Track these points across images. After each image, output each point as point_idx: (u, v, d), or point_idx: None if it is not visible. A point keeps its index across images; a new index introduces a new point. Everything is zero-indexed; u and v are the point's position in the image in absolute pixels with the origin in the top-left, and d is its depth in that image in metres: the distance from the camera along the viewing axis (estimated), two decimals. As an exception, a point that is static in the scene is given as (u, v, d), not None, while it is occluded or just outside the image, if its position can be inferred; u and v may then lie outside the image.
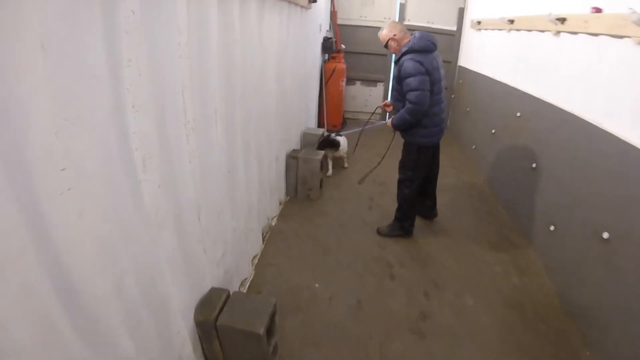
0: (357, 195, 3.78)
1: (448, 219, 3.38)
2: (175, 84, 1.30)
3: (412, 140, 2.81)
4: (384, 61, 6.00)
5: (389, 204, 3.46)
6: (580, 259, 2.26)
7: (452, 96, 5.76)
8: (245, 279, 2.48)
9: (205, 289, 1.76)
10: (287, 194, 3.74)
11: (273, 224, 3.21)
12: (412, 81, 2.51)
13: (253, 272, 2.59)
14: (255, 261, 2.70)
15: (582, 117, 2.37)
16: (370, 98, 6.34)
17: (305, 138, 4.28)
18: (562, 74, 2.71)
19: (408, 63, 2.50)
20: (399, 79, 2.62)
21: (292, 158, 3.52)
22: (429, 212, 3.31)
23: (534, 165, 2.95)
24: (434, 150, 2.97)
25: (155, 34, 1.17)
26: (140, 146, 1.13)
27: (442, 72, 2.73)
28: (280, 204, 3.55)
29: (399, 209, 3.05)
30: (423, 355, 2.01)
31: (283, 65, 2.99)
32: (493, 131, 3.96)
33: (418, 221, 3.12)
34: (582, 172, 2.34)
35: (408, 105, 2.59)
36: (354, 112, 6.51)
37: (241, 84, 2.03)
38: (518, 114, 3.36)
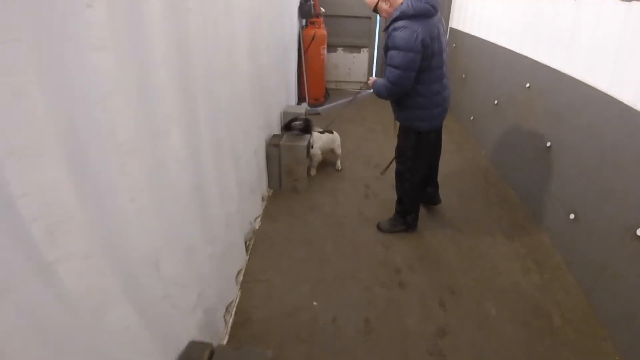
0: (350, 182, 3.41)
1: (453, 205, 3.07)
2: (89, 94, 0.84)
3: (410, 125, 2.40)
4: (368, 24, 5.45)
5: (388, 191, 3.11)
6: (610, 256, 2.00)
7: None
8: (231, 304, 2.11)
9: (181, 346, 1.39)
10: (270, 186, 3.32)
11: (257, 226, 2.81)
12: (396, 56, 2.08)
13: (239, 293, 2.22)
14: (240, 278, 2.33)
15: (611, 95, 2.04)
16: (354, 66, 5.83)
17: (286, 118, 3.81)
18: (583, 41, 2.34)
19: (398, 33, 2.05)
20: (387, 49, 2.19)
21: (274, 146, 3.07)
22: (432, 199, 2.97)
23: (548, 144, 2.62)
24: (437, 134, 2.58)
25: (44, 13, 0.70)
26: (40, 212, 0.70)
27: (445, 40, 2.29)
28: (262, 199, 3.14)
29: (399, 203, 2.70)
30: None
31: (257, 37, 2.46)
32: (496, 102, 3.61)
33: (421, 209, 2.79)
34: (612, 158, 2.04)
35: (385, 82, 2.19)
36: (336, 81, 6.00)
37: (203, 70, 1.54)
38: (527, 85, 3.00)
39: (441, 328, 2.01)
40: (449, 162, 3.69)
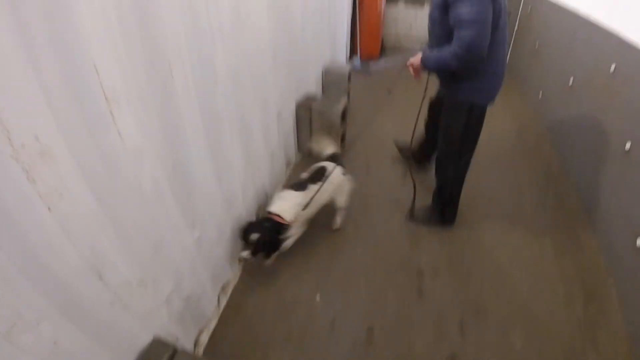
0: (390, 156, 3.05)
1: (503, 197, 2.62)
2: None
3: (463, 97, 1.95)
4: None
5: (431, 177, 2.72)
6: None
7: (515, 28, 4.57)
8: (228, 283, 2.02)
9: (142, 343, 1.29)
10: (299, 150, 3.09)
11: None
12: (466, 8, 1.58)
13: (239, 274, 2.11)
14: (245, 254, 2.21)
15: None
16: (416, 22, 5.24)
17: (328, 77, 3.45)
18: None
19: None
20: (445, 5, 1.69)
21: (305, 109, 2.78)
22: (425, 159, 2.71)
23: (628, 146, 2.03)
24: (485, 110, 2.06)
25: None
26: None
27: None
28: (288, 166, 2.93)
29: (439, 193, 2.33)
30: None
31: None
32: (570, 82, 2.93)
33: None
34: None
35: (456, 49, 1.67)
36: (396, 36, 5.46)
37: (174, 35, 1.27)
38: (612, 69, 2.33)
39: (454, 354, 1.74)
40: (506, 143, 3.16)
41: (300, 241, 2.14)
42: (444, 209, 2.35)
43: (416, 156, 2.75)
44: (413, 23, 5.28)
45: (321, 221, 2.31)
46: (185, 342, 1.61)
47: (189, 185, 1.49)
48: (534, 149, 3.22)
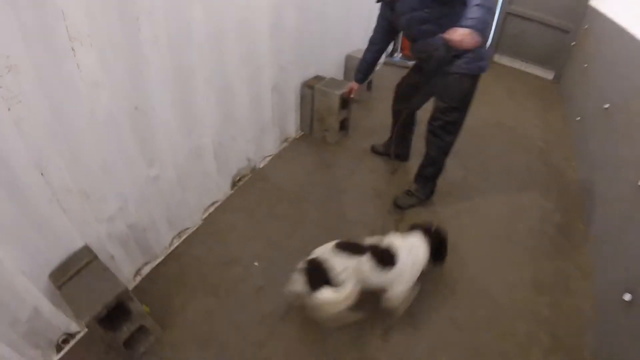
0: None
1: (502, 218, 2.67)
2: None
3: (472, 67, 2.09)
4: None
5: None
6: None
7: (573, 44, 4.47)
8: (186, 230, 2.34)
9: (74, 247, 1.64)
10: (301, 129, 3.34)
11: (260, 165, 2.92)
12: None
13: (200, 224, 2.42)
14: (212, 210, 2.52)
15: None
16: None
17: (350, 62, 3.64)
18: None
19: None
20: None
21: (308, 87, 3.01)
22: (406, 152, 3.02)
23: None
24: None
25: None
26: None
27: None
28: (285, 141, 3.19)
29: (433, 164, 2.52)
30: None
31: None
32: (606, 106, 2.87)
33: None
34: None
35: (481, 10, 1.64)
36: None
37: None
38: None
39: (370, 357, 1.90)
40: (527, 161, 3.25)
41: (271, 207, 2.47)
42: (434, 181, 2.62)
43: (397, 151, 2.97)
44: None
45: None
46: (124, 265, 1.95)
47: (150, 127, 1.80)
48: (556, 170, 3.23)
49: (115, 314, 1.56)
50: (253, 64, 2.36)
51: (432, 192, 2.67)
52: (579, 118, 3.57)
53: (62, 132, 1.41)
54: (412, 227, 1.98)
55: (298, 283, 1.72)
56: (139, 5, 1.48)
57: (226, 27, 2.01)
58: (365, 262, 1.70)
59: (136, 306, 1.63)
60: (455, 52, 1.77)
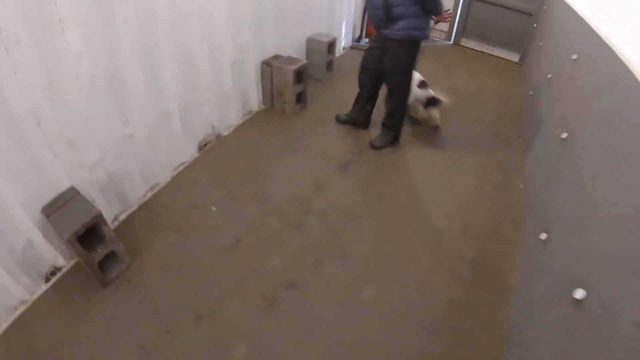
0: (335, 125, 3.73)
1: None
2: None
3: (411, 36, 2.81)
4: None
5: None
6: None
7: (535, 26, 4.91)
8: (157, 185, 2.83)
9: (62, 187, 2.11)
10: (263, 103, 3.83)
11: (225, 133, 3.41)
12: None
13: (170, 180, 2.92)
14: (181, 169, 3.02)
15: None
16: None
17: (310, 44, 4.14)
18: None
19: None
20: None
21: (267, 65, 3.49)
22: (367, 120, 3.57)
23: (564, 135, 2.36)
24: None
25: None
26: None
27: None
28: (248, 113, 3.68)
29: (391, 117, 3.23)
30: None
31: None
32: (549, 76, 3.39)
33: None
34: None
35: None
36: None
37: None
38: (574, 57, 2.76)
39: (294, 281, 2.43)
40: (476, 130, 3.82)
41: (232, 168, 3.00)
42: (398, 130, 3.30)
43: (359, 119, 3.55)
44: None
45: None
46: (104, 210, 2.32)
47: (124, 92, 2.27)
48: (501, 136, 3.74)
49: (92, 240, 2.06)
50: (213, 43, 2.83)
51: (396, 137, 3.37)
52: (531, 92, 4.06)
53: (54, 92, 1.88)
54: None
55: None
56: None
57: (186, 11, 2.49)
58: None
59: (109, 231, 2.12)
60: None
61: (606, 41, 2.25)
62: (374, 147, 3.34)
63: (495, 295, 2.27)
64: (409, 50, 2.88)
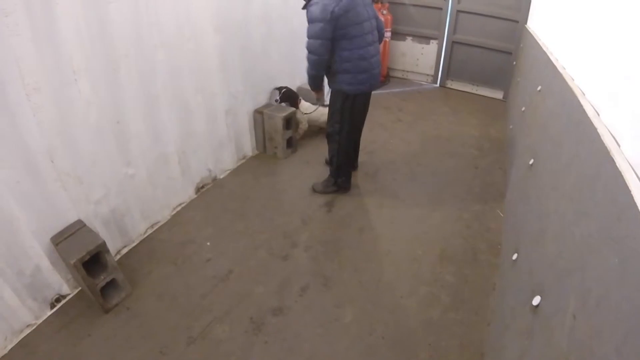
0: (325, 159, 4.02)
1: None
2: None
3: (336, 88, 3.03)
4: (438, 15, 5.70)
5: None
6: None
7: (514, 63, 5.27)
8: (157, 223, 3.11)
9: (70, 219, 2.40)
10: (257, 148, 4.20)
11: (221, 176, 3.74)
12: (309, 28, 2.76)
13: (169, 218, 3.20)
14: (179, 209, 3.31)
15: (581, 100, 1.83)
16: (422, 57, 6.18)
17: (301, 93, 4.58)
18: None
19: (312, 7, 2.71)
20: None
21: (258, 113, 3.90)
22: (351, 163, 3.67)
23: (531, 161, 2.55)
24: (365, 100, 3.17)
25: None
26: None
27: (371, 10, 2.91)
28: (243, 158, 4.04)
29: (330, 164, 3.40)
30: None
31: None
32: (523, 109, 3.63)
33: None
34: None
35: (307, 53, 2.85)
36: (403, 70, 6.51)
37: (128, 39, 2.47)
38: (539, 88, 3.01)
39: (280, 308, 2.63)
40: (456, 165, 4.08)
41: (225, 208, 3.29)
42: (337, 178, 3.44)
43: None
44: (420, 58, 6.24)
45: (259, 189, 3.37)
46: (107, 243, 2.66)
47: (127, 136, 2.63)
48: (481, 169, 3.92)
49: (95, 267, 2.31)
50: (207, 92, 3.24)
51: (336, 183, 3.45)
52: (511, 126, 4.32)
53: (67, 134, 2.23)
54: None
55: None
56: (118, 51, 2.38)
57: (182, 64, 2.91)
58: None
59: (111, 260, 2.37)
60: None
61: (560, 70, 2.58)
62: (313, 190, 3.55)
63: (473, 315, 2.42)
64: (342, 101, 3.06)
